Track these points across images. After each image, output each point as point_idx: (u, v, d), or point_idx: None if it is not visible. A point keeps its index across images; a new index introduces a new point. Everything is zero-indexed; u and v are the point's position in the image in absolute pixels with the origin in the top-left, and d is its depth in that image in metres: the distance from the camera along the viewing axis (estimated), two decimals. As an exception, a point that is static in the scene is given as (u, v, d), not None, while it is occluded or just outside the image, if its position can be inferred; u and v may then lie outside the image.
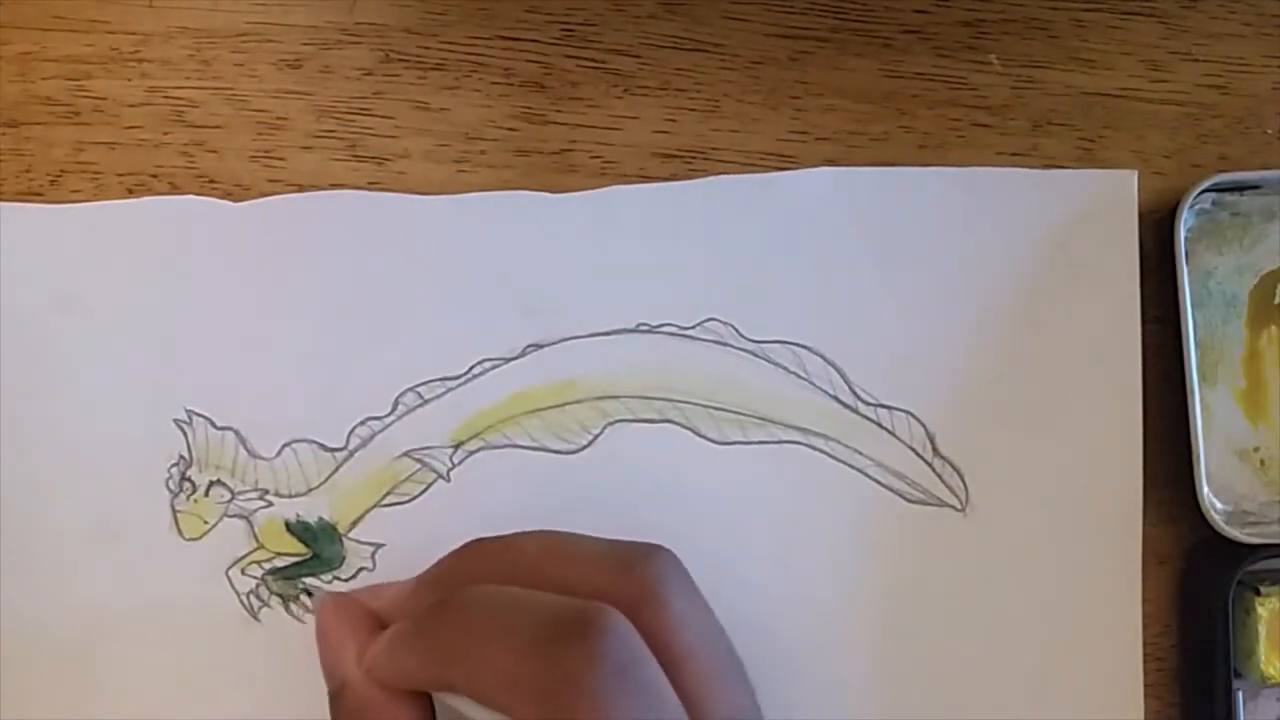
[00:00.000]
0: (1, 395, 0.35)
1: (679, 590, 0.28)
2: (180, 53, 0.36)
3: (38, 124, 0.36)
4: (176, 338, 0.35)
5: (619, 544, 0.30)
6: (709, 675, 0.28)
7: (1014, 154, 0.37)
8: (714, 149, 0.37)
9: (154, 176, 0.36)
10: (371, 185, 0.36)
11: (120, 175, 0.36)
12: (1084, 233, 0.37)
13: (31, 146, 0.36)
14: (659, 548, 0.29)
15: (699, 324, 0.36)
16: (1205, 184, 0.36)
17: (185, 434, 0.35)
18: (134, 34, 0.36)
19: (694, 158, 0.37)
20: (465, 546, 0.31)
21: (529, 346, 0.36)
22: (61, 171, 0.36)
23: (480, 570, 0.30)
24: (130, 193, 0.36)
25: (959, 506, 0.36)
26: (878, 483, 0.36)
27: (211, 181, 0.36)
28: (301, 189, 0.36)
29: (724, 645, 0.29)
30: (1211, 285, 0.37)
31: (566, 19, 0.37)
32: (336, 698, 0.30)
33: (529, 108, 0.37)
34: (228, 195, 0.36)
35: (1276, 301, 0.37)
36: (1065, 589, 0.36)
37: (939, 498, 0.36)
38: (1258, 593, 0.35)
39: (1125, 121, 0.38)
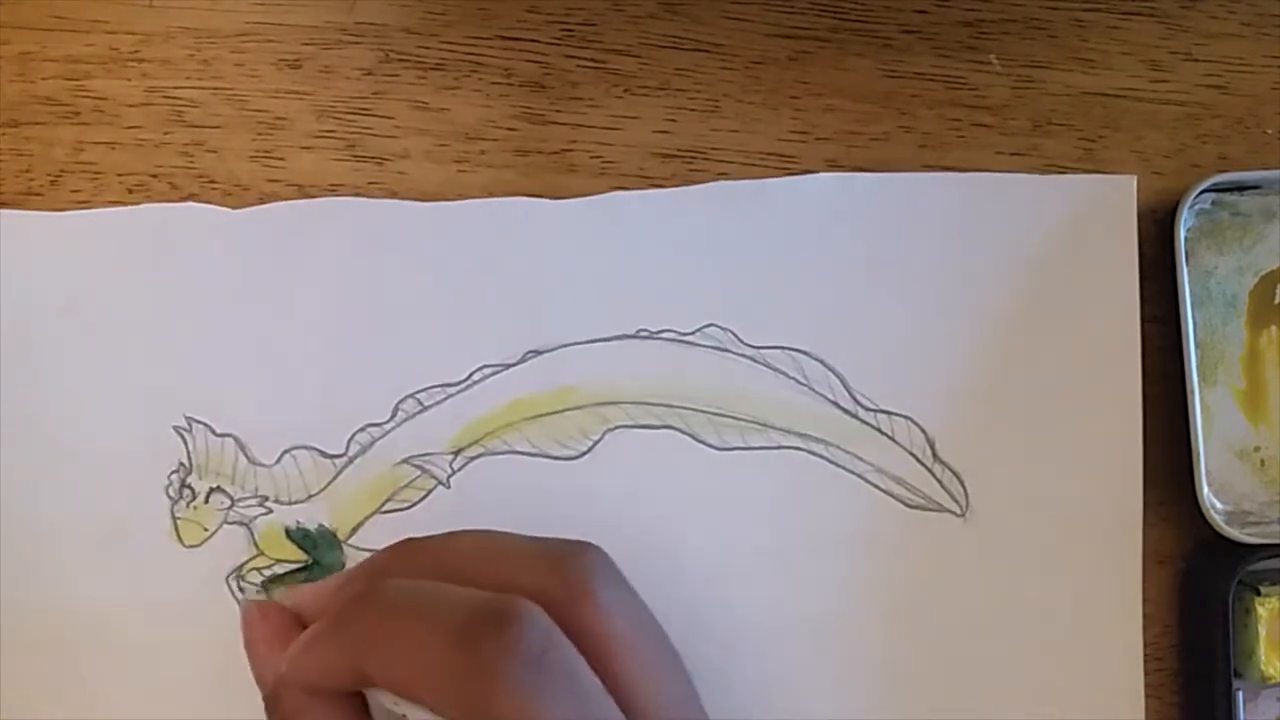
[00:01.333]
0: (1, 402, 0.35)
1: (607, 583, 0.28)
2: (180, 53, 0.36)
3: (38, 124, 0.36)
4: (175, 344, 0.35)
5: (549, 541, 0.30)
6: (642, 665, 0.28)
7: (1014, 154, 0.37)
8: (714, 149, 0.37)
9: (154, 176, 0.36)
10: (371, 185, 0.36)
11: (120, 175, 0.36)
12: (1083, 238, 0.37)
13: (31, 146, 0.36)
14: (587, 544, 0.29)
15: (699, 330, 0.36)
16: (1205, 184, 0.36)
17: (185, 441, 0.35)
18: (134, 34, 0.36)
19: (694, 158, 0.37)
20: (397, 545, 0.31)
21: (529, 353, 0.36)
22: (61, 171, 0.36)
23: (413, 570, 0.30)
24: (130, 193, 0.36)
25: (959, 511, 0.36)
26: (877, 488, 0.36)
27: (211, 182, 0.36)
28: (301, 189, 0.36)
29: (657, 636, 0.29)
30: (1211, 285, 0.37)
31: (566, 19, 0.37)
32: (269, 705, 0.30)
33: (529, 108, 0.37)
34: (227, 195, 0.36)
35: (1277, 302, 0.37)
36: (1066, 593, 0.36)
37: (939, 503, 0.36)
38: (1258, 593, 0.35)
39: (1125, 121, 0.38)
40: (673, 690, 0.29)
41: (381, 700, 0.28)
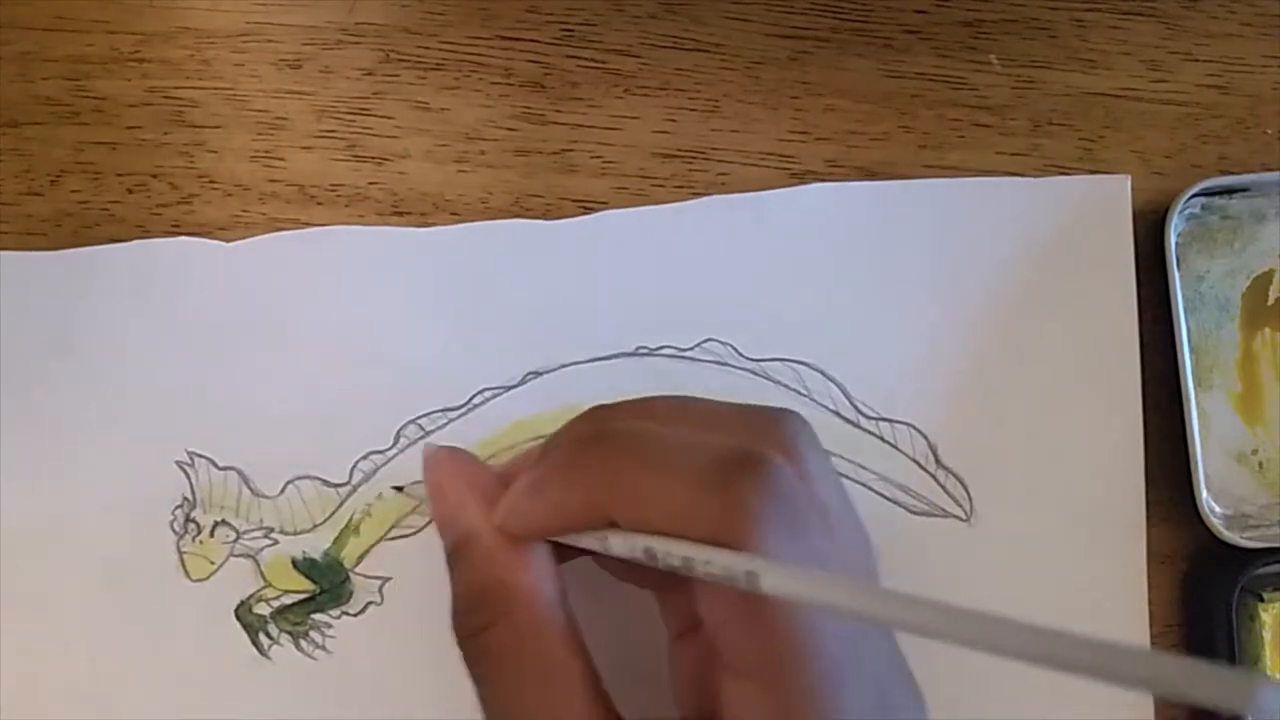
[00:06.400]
0: (2, 441, 0.35)
1: (812, 449, 0.28)
2: (180, 53, 0.36)
3: (38, 124, 0.36)
4: (174, 379, 0.35)
5: (750, 406, 0.29)
6: (845, 534, 0.27)
7: (1014, 154, 0.37)
8: (714, 149, 0.37)
9: (154, 176, 0.36)
10: (371, 185, 0.36)
11: (120, 175, 0.36)
12: (1079, 238, 0.37)
13: (31, 146, 0.36)
14: (789, 411, 0.29)
15: (698, 345, 0.36)
16: (1194, 189, 0.36)
17: (188, 475, 0.35)
18: (134, 34, 0.36)
19: (694, 158, 0.37)
20: (593, 409, 0.30)
21: (529, 374, 0.36)
22: (61, 171, 0.36)
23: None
24: (130, 193, 0.36)
25: (964, 516, 0.36)
26: (882, 496, 0.36)
27: (211, 182, 0.36)
28: (301, 189, 0.36)
29: (851, 506, 0.29)
30: (1204, 289, 0.37)
31: (566, 19, 0.37)
32: (459, 551, 0.28)
33: (529, 108, 0.37)
34: (228, 195, 0.36)
35: (1270, 303, 0.37)
36: (1071, 595, 0.36)
37: (943, 508, 0.36)
38: (1261, 599, 0.35)
39: (1125, 121, 0.38)
40: (865, 563, 0.28)
41: (611, 541, 0.27)
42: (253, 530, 0.35)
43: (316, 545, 0.35)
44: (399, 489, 0.35)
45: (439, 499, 0.30)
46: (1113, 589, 0.36)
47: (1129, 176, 0.37)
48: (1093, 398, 0.37)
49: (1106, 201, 0.37)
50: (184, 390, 0.35)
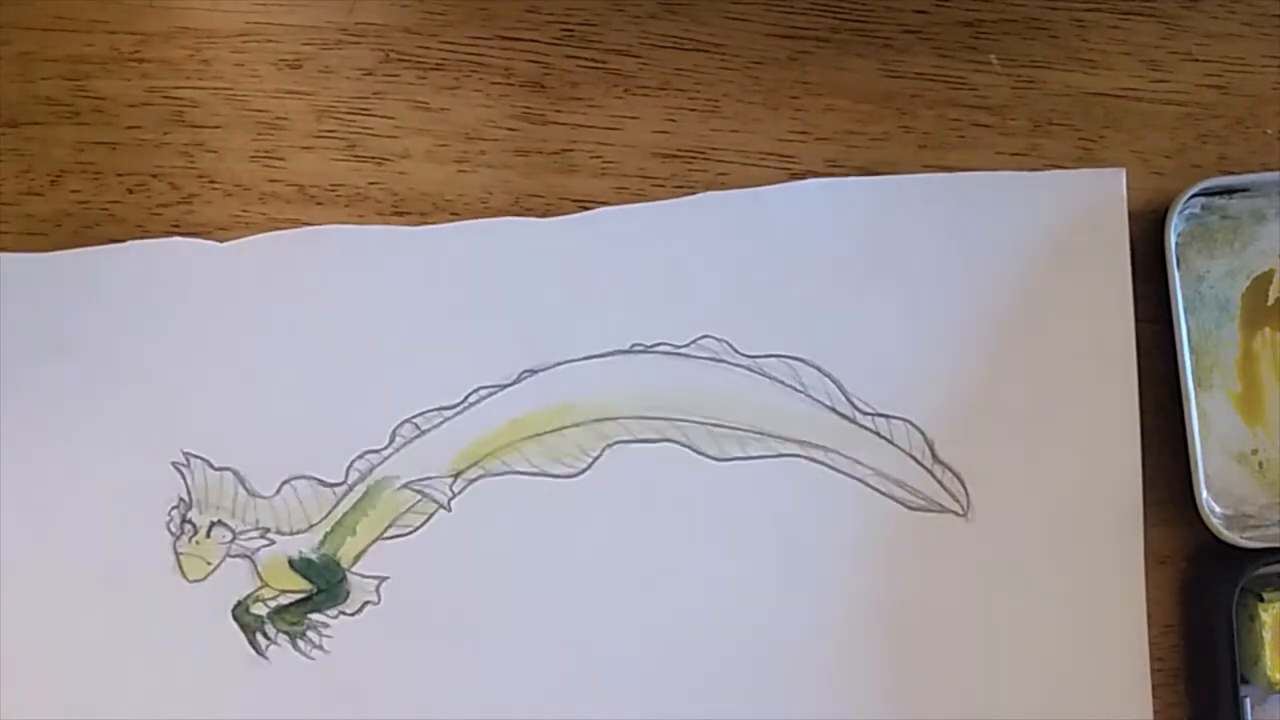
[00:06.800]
0: (1, 441, 0.35)
1: None
2: (180, 53, 0.36)
3: (38, 124, 0.36)
4: (170, 380, 0.35)
5: None
6: None
7: (1014, 154, 0.37)
8: (714, 149, 0.37)
9: (154, 176, 0.36)
10: (372, 185, 0.36)
11: (120, 175, 0.36)
12: (1075, 232, 0.37)
13: (31, 146, 0.36)
14: None
15: (693, 341, 0.36)
16: (1194, 189, 0.36)
17: (184, 476, 0.35)
18: (134, 34, 0.36)
19: (694, 158, 0.37)
20: None
21: (524, 372, 0.36)
22: (61, 171, 0.36)
23: None
24: (130, 193, 0.36)
25: (961, 511, 0.36)
26: (879, 491, 0.36)
27: (212, 182, 0.36)
28: (301, 189, 0.36)
29: None
30: (1204, 289, 0.37)
31: (566, 19, 0.37)
32: None
33: (529, 108, 0.37)
34: (228, 195, 0.36)
35: (1270, 303, 0.37)
36: (1069, 589, 0.36)
37: (940, 504, 0.36)
38: (1261, 599, 0.35)
39: (1125, 121, 0.38)
40: None
41: None
42: (249, 530, 0.35)
43: (313, 545, 0.35)
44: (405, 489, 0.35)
45: None
46: (1110, 582, 0.36)
47: (1124, 169, 0.37)
48: (1089, 388, 0.36)
49: (1102, 195, 0.37)
50: (180, 391, 0.35)
